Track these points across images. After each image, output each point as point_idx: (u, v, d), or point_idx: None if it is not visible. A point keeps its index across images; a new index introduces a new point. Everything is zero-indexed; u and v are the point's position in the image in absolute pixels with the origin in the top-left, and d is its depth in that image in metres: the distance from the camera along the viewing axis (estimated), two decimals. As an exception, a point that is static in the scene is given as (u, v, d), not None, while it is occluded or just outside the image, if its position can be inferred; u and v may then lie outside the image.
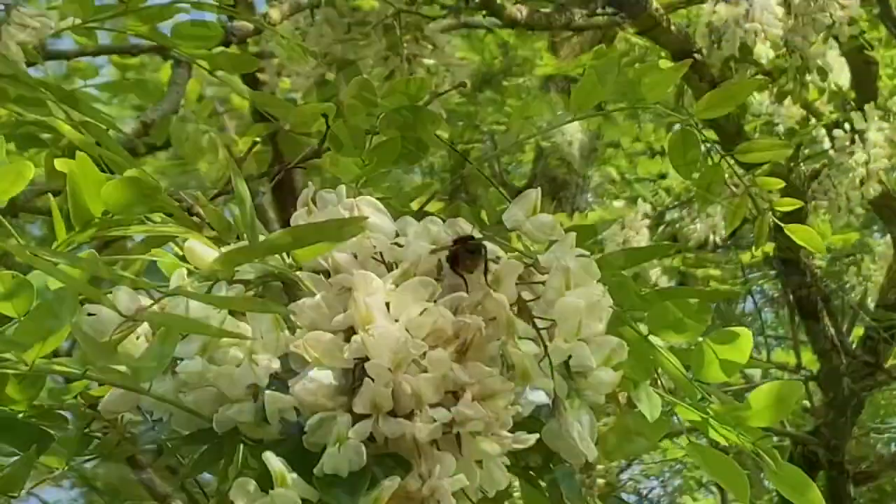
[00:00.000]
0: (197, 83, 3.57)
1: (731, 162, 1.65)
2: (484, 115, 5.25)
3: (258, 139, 2.35)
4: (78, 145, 1.68)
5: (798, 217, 2.05)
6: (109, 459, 1.31)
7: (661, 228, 5.00)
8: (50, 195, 1.54)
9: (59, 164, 1.53)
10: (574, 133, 5.29)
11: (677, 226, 4.99)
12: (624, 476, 7.31)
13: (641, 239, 4.71)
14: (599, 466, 6.18)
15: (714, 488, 7.66)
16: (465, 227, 1.27)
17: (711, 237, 4.95)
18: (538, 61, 5.25)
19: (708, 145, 1.53)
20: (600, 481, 5.80)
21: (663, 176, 5.10)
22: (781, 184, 1.79)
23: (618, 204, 4.99)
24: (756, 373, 5.22)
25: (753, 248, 4.88)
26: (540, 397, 1.22)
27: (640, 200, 4.83)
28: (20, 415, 1.31)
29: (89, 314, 1.26)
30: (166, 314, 1.16)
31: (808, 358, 5.03)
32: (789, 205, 1.82)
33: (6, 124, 2.69)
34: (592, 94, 1.42)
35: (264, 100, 2.03)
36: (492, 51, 5.64)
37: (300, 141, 2.71)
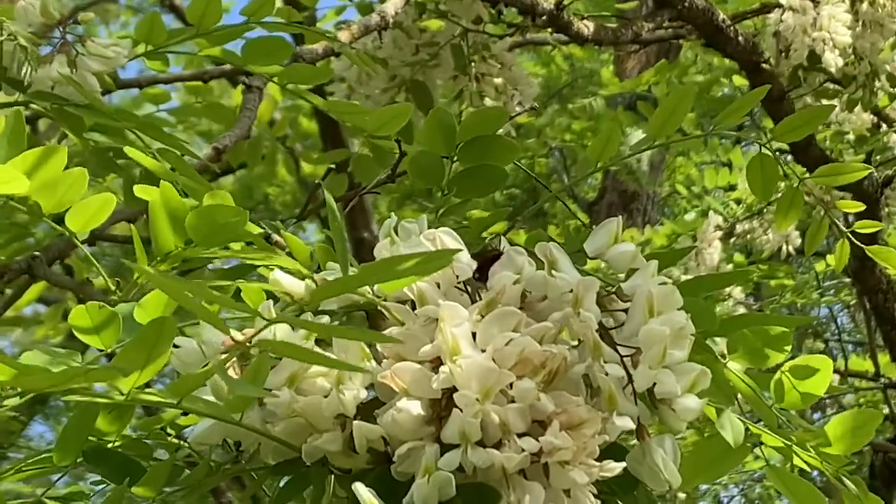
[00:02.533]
0: (268, 108, 3.60)
1: (811, 184, 1.65)
2: (552, 130, 5.25)
3: (333, 166, 2.37)
4: (155, 173, 1.71)
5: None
6: (197, 490, 1.32)
7: (732, 240, 4.97)
8: (131, 225, 1.56)
9: (139, 190, 1.56)
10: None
11: (749, 237, 4.96)
12: (704, 485, 7.28)
13: (714, 251, 4.69)
14: (681, 495, 6.15)
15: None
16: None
17: (784, 247, 4.92)
18: (603, 82, 5.25)
19: (786, 166, 1.53)
20: (681, 495, 5.77)
21: (732, 187, 5.08)
22: (861, 206, 1.78)
23: (689, 216, 4.98)
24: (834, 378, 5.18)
25: (833, 262, 4.85)
26: (624, 424, 1.22)
27: (711, 212, 4.81)
28: (110, 445, 1.33)
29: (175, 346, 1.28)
30: (274, 341, 1.17)
31: (886, 364, 4.98)
32: (870, 227, 1.81)
33: (82, 152, 2.73)
34: (670, 122, 1.43)
35: (339, 107, 2.04)
36: (558, 64, 5.65)
37: (374, 165, 2.73)
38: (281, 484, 1.34)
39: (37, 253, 2.15)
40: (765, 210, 4.84)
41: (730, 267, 4.77)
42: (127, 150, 1.91)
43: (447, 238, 1.28)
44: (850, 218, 3.50)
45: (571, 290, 1.25)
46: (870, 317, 4.85)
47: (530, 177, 4.79)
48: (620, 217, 1.34)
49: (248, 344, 1.23)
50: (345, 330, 1.23)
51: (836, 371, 5.06)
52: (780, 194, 1.74)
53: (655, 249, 4.72)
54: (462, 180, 1.47)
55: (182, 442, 1.38)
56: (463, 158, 1.47)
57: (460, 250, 1.24)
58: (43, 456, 1.31)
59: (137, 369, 1.12)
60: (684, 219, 4.95)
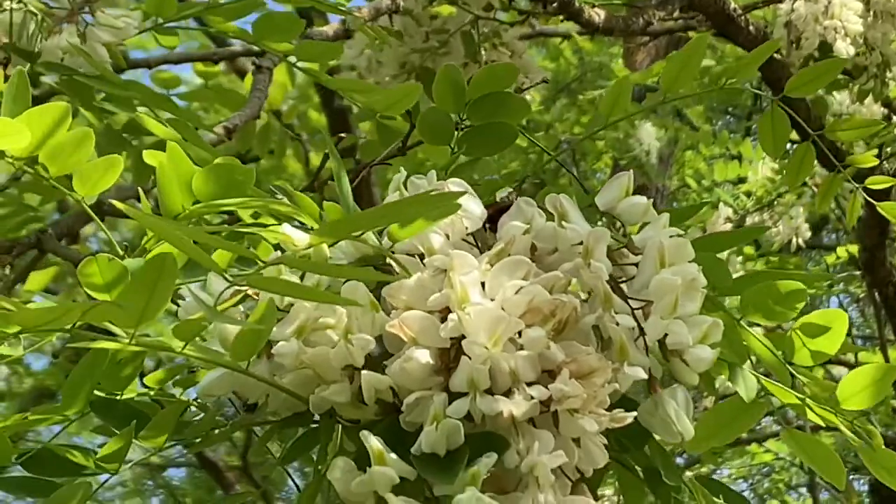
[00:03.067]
0: (279, 92, 3.59)
1: (820, 145, 1.64)
2: (561, 125, 5.24)
3: (342, 135, 2.36)
4: (166, 139, 1.70)
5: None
6: (205, 443, 1.31)
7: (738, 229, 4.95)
8: (140, 189, 1.56)
9: (148, 156, 1.55)
10: (651, 142, 5.27)
11: (755, 226, 4.94)
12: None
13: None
14: (689, 473, 6.13)
15: (803, 490, 7.58)
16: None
17: (794, 239, 4.90)
18: (614, 69, 5.24)
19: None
20: (688, 473, 5.75)
21: (742, 180, 5.07)
22: (875, 161, 1.77)
23: (699, 208, 4.96)
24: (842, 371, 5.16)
25: (843, 255, 4.85)
26: (635, 373, 1.21)
27: (721, 204, 4.80)
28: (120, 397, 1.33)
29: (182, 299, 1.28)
30: (272, 279, 1.16)
31: (896, 357, 4.98)
32: (881, 182, 1.80)
33: (93, 129, 2.73)
34: (680, 77, 1.42)
35: (349, 85, 2.04)
36: (567, 58, 5.64)
37: (381, 151, 2.73)
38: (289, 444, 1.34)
39: (46, 227, 2.14)
40: (775, 202, 4.83)
41: (739, 259, 4.75)
42: (138, 115, 1.91)
43: (456, 187, 1.28)
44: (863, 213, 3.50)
45: (581, 242, 1.24)
46: (879, 309, 4.84)
47: (540, 166, 4.79)
48: (632, 171, 1.33)
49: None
50: (348, 269, 1.22)
51: (845, 364, 5.05)
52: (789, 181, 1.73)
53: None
54: (472, 138, 1.46)
55: (190, 400, 1.37)
56: (472, 116, 1.46)
57: (466, 192, 1.23)
58: (51, 406, 1.31)
59: (139, 309, 1.11)
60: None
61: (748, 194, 4.89)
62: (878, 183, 1.79)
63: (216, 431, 1.31)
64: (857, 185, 1.84)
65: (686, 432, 1.23)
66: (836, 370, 5.27)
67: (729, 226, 4.76)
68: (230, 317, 1.17)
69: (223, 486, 6.00)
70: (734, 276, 1.38)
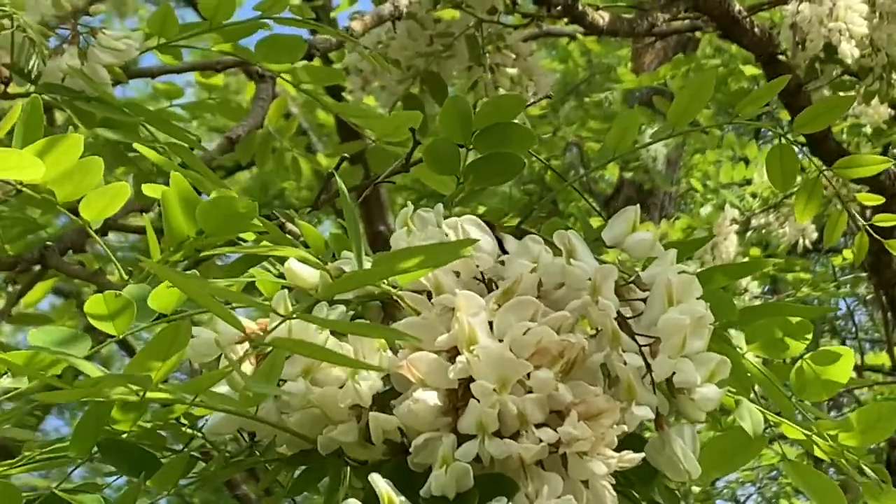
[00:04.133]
0: (283, 101, 3.58)
1: (829, 175, 1.63)
2: (567, 127, 5.23)
3: (346, 156, 2.35)
4: (162, 167, 1.69)
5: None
6: (211, 482, 1.31)
7: (749, 234, 4.95)
8: (143, 214, 1.55)
9: (148, 189, 1.55)
10: (658, 148, 5.26)
11: (765, 231, 4.93)
12: (720, 482, 7.26)
13: (730, 245, 4.66)
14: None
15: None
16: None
17: (801, 241, 4.89)
18: (620, 75, 5.22)
19: (804, 159, 1.51)
20: (695, 489, 5.74)
21: (748, 181, 5.06)
22: (881, 200, 1.76)
23: (705, 210, 4.95)
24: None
25: (849, 256, 4.82)
26: (643, 414, 1.20)
27: (727, 206, 4.79)
28: (123, 435, 1.32)
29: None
30: (285, 339, 1.16)
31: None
32: (888, 220, 1.79)
33: (94, 144, 2.72)
34: (688, 111, 1.41)
35: (348, 110, 2.03)
36: (575, 59, 5.62)
37: (389, 157, 2.72)
38: (296, 475, 1.34)
39: (49, 243, 2.14)
40: (781, 203, 4.82)
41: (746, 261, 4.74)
42: (136, 145, 1.90)
43: (470, 227, 1.27)
44: (868, 212, 3.49)
45: (589, 279, 1.23)
46: (886, 311, 4.83)
47: (546, 170, 4.79)
48: (638, 206, 1.32)
49: (260, 335, 1.22)
50: (357, 326, 1.21)
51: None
52: (797, 187, 1.73)
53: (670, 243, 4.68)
54: (478, 168, 1.45)
55: (196, 432, 1.36)
56: (479, 146, 1.45)
57: (476, 241, 1.22)
58: (56, 446, 1.30)
59: (150, 378, 1.11)
60: (700, 212, 4.93)
61: (754, 196, 4.88)
62: (885, 221, 1.78)
63: (222, 470, 1.31)
64: (863, 223, 1.83)
65: (693, 470, 1.23)
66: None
67: (735, 227, 4.75)
68: (242, 373, 1.17)
69: (229, 486, 5.98)
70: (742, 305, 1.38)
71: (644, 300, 1.27)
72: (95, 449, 1.29)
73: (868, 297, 6.02)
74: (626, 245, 1.31)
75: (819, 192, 1.64)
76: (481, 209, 1.69)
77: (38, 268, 2.25)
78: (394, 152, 2.56)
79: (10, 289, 2.29)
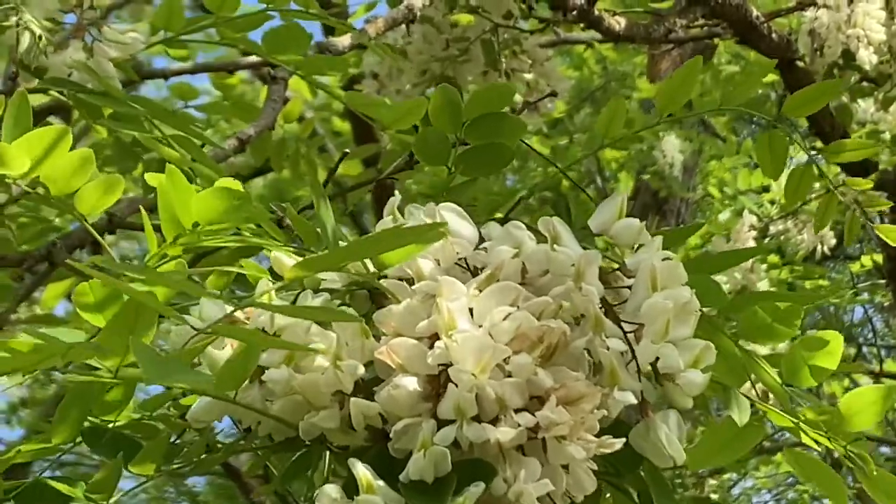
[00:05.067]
0: (298, 103, 3.59)
1: (822, 163, 1.63)
2: (583, 134, 5.23)
3: (346, 151, 2.36)
4: (168, 160, 1.69)
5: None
6: (199, 468, 1.31)
7: (766, 240, 4.93)
8: (142, 208, 1.56)
9: (150, 178, 1.55)
10: (675, 154, 5.24)
11: (783, 237, 4.91)
12: (736, 490, 7.23)
13: (749, 252, 4.64)
14: (712, 481, 6.11)
15: (828, 502, 7.51)
16: None
17: (819, 248, 4.87)
18: (638, 84, 5.21)
19: (795, 145, 1.51)
20: (713, 496, 5.73)
21: (766, 189, 5.03)
22: (870, 184, 1.75)
23: (723, 216, 4.93)
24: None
25: (867, 263, 4.81)
26: (625, 399, 1.20)
27: (745, 212, 4.77)
28: (111, 425, 1.32)
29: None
30: (239, 329, 1.16)
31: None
32: (879, 204, 1.78)
33: (103, 143, 2.73)
34: (677, 95, 1.41)
35: (359, 100, 2.03)
36: (590, 67, 5.61)
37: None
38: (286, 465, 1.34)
39: (56, 240, 2.14)
40: (799, 210, 4.79)
41: (763, 267, 4.72)
42: (140, 136, 1.91)
43: (448, 213, 1.27)
44: (885, 220, 3.47)
45: (573, 265, 1.23)
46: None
47: (562, 178, 4.77)
48: (626, 195, 1.32)
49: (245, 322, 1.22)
50: (324, 311, 1.21)
51: (870, 373, 5.00)
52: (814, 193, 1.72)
53: (689, 249, 4.68)
54: (469, 159, 1.45)
55: (184, 422, 1.36)
56: (470, 136, 1.45)
57: (445, 223, 1.22)
58: (41, 436, 1.31)
59: (120, 348, 1.11)
60: (718, 219, 4.91)
61: (772, 202, 4.86)
62: (875, 205, 1.77)
63: (209, 456, 1.31)
64: (856, 206, 1.82)
65: (677, 456, 1.22)
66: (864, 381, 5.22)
67: (753, 234, 4.73)
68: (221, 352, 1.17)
69: (244, 492, 6.00)
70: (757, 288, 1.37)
71: (630, 287, 1.27)
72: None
73: (886, 303, 5.98)
74: (613, 231, 1.31)
75: (835, 203, 1.63)
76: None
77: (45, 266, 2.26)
78: (407, 149, 2.56)
79: (16, 286, 2.30)
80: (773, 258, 4.88)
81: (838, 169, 3.46)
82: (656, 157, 5.16)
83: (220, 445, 1.36)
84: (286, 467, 1.34)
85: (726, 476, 6.12)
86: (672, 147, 5.15)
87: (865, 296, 5.38)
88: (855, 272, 5.01)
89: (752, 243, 4.67)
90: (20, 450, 1.29)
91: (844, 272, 5.05)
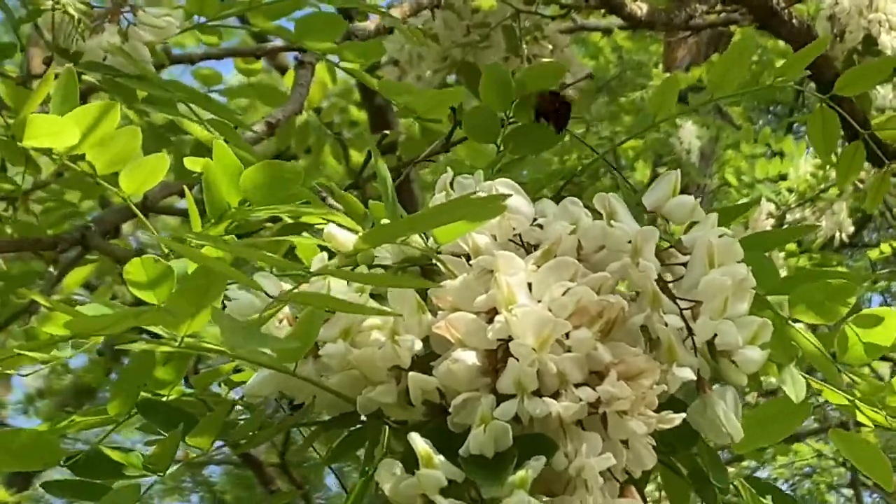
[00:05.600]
0: (319, 90, 3.59)
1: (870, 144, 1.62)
2: (599, 123, 5.22)
3: (386, 133, 2.35)
4: (205, 142, 1.69)
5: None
6: (251, 444, 1.31)
7: (784, 228, 4.92)
8: (185, 187, 1.56)
9: (189, 162, 1.55)
10: (692, 140, 5.24)
11: (801, 225, 4.90)
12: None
13: (767, 237, 4.62)
14: (731, 469, 6.11)
15: (845, 491, 7.52)
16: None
17: (838, 234, 4.86)
18: (653, 74, 5.20)
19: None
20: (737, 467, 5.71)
21: (783, 177, 5.02)
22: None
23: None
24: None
25: (887, 250, 4.80)
26: (684, 375, 1.20)
27: (763, 199, 4.76)
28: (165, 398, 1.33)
29: (231, 299, 1.28)
30: (312, 293, 1.16)
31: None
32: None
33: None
34: (729, 75, 1.41)
35: (390, 87, 2.03)
36: (606, 56, 5.61)
37: (422, 147, 2.72)
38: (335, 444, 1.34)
39: (90, 223, 2.15)
40: (817, 198, 4.79)
41: (781, 255, 4.71)
42: (178, 120, 1.91)
43: (504, 188, 1.27)
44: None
45: (630, 241, 1.23)
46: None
47: (580, 168, 4.76)
48: (679, 171, 1.32)
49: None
50: (391, 278, 1.21)
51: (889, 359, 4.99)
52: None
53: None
54: (517, 137, 1.45)
55: (236, 399, 1.37)
56: (519, 115, 1.45)
57: (509, 195, 1.22)
58: (99, 407, 1.31)
59: (188, 315, 1.11)
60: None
61: (790, 190, 4.85)
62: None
63: (261, 431, 1.31)
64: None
65: (735, 433, 1.22)
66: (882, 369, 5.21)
67: (771, 222, 4.73)
68: (277, 328, 1.17)
69: (263, 482, 6.00)
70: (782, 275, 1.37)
71: (685, 265, 1.27)
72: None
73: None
74: (667, 209, 1.31)
75: (862, 155, 1.62)
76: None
77: (78, 250, 2.26)
78: (429, 141, 2.56)
79: (51, 269, 2.31)
80: (791, 246, 4.87)
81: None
82: (673, 145, 5.15)
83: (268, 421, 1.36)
84: (336, 445, 1.34)
85: (745, 464, 6.12)
86: (689, 134, 5.15)
87: (885, 283, 5.37)
88: (874, 259, 5.00)
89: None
90: (74, 420, 1.30)
91: (863, 260, 5.04)
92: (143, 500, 1.26)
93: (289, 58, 4.32)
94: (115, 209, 2.32)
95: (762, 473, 7.23)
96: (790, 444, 6.09)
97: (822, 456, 6.66)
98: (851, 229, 4.86)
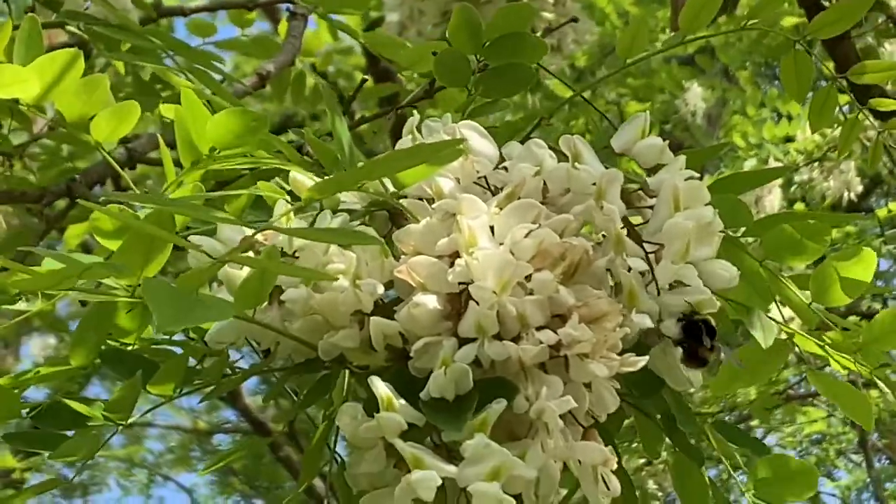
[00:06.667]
0: (316, 39, 3.56)
1: (845, 86, 1.59)
2: (605, 87, 5.18)
3: (366, 77, 2.34)
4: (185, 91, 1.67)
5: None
6: (218, 391, 1.30)
7: (792, 188, 4.89)
8: (159, 136, 1.54)
9: (166, 109, 1.53)
10: (697, 102, 5.20)
11: (809, 185, 4.86)
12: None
13: (773, 198, 4.60)
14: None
15: (854, 457, 7.50)
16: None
17: (846, 194, 4.82)
18: (659, 38, 5.15)
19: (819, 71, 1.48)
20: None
21: (790, 139, 4.97)
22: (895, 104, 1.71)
23: (749, 164, 4.88)
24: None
25: (894, 208, 4.76)
26: (642, 321, 1.17)
27: (771, 159, 4.71)
28: (130, 348, 1.31)
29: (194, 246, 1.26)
30: (257, 259, 1.14)
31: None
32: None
33: (120, 83, 2.72)
34: (701, 14, 1.38)
35: (378, 41, 2.01)
36: (613, 21, 5.55)
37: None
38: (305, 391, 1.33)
39: (76, 175, 2.13)
40: (825, 157, 4.74)
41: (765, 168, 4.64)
42: (156, 69, 1.89)
43: (468, 131, 1.25)
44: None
45: (594, 183, 1.20)
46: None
47: (586, 128, 4.75)
48: (647, 113, 1.30)
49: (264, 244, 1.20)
50: (327, 233, 1.19)
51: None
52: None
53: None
54: (489, 80, 1.43)
55: (203, 345, 1.35)
56: (490, 57, 1.42)
57: (465, 140, 1.20)
58: (59, 358, 1.29)
59: (137, 266, 1.10)
60: (743, 167, 4.85)
61: (799, 152, 4.79)
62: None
63: (228, 378, 1.30)
64: (879, 128, 1.78)
65: (693, 378, 1.21)
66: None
67: (779, 181, 4.68)
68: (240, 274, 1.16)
69: (273, 448, 6.03)
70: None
71: (653, 207, 1.25)
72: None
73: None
74: (635, 151, 1.29)
75: (834, 98, 1.59)
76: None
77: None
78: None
79: (36, 221, 2.29)
80: (799, 206, 4.83)
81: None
82: (678, 107, 5.11)
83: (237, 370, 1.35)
84: (307, 391, 1.33)
85: (753, 423, 6.09)
86: (695, 96, 5.10)
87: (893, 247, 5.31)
88: (882, 218, 4.94)
89: (777, 190, 4.63)
90: (39, 371, 1.29)
91: (872, 220, 4.98)
92: (153, 469, 1.25)
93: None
94: (103, 162, 2.30)
95: (770, 440, 7.21)
96: (800, 403, 6.06)
97: (833, 416, 6.63)
98: (860, 188, 4.81)
